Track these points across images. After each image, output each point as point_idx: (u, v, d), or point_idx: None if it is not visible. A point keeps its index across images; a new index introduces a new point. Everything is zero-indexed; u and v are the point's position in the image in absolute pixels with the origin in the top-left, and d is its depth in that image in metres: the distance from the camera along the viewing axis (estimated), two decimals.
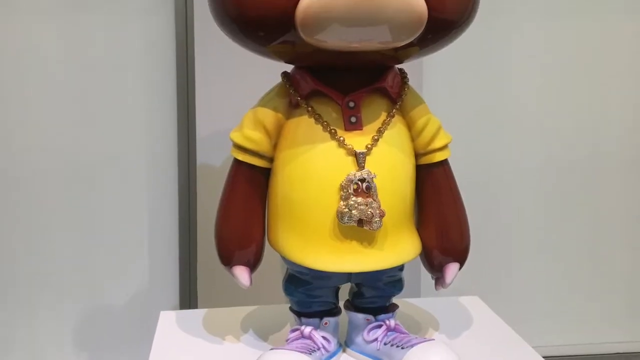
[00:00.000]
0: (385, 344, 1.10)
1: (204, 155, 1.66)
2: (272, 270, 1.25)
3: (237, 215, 1.09)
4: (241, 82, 1.58)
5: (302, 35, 0.91)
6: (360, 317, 1.14)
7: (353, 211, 0.98)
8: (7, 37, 1.64)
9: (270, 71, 1.11)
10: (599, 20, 1.90)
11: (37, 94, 1.68)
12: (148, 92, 1.72)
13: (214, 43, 1.52)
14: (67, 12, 1.66)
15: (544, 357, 1.17)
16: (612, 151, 1.96)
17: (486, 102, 1.87)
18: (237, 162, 1.08)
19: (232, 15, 0.97)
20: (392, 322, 1.12)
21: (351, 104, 1.03)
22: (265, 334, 1.24)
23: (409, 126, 1.08)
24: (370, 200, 0.99)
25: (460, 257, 1.14)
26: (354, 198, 0.98)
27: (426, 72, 1.73)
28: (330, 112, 1.03)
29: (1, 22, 1.64)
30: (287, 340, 1.11)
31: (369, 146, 1.01)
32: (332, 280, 1.09)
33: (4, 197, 1.70)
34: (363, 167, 1.00)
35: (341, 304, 1.17)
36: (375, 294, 1.13)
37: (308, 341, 1.09)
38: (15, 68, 1.66)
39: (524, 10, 1.86)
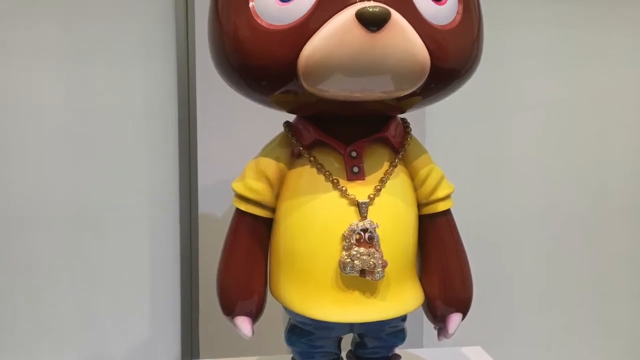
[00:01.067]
0: None
1: (205, 205, 1.66)
2: (274, 320, 1.24)
3: (239, 265, 1.08)
4: (243, 131, 1.58)
5: (304, 84, 0.91)
6: None
7: (355, 261, 0.98)
8: (7, 82, 1.65)
9: (272, 121, 1.11)
10: (602, 68, 1.91)
11: (37, 140, 1.68)
12: (150, 141, 1.72)
13: (216, 92, 1.52)
14: (68, 59, 1.66)
15: None
16: (615, 200, 1.96)
17: (489, 152, 1.87)
18: (239, 212, 1.08)
19: (234, 64, 0.97)
20: None
21: (353, 154, 1.03)
22: None
23: (412, 176, 1.08)
24: (372, 250, 0.98)
25: (463, 307, 1.13)
26: (356, 248, 0.98)
27: (429, 121, 1.73)
28: (333, 162, 1.03)
29: (1, 67, 1.65)
30: None
31: (372, 196, 1.01)
32: (334, 330, 1.08)
33: (4, 244, 1.70)
34: (365, 217, 1.00)
35: (344, 354, 1.17)
36: (377, 345, 1.13)
37: None
38: (15, 114, 1.66)
39: (526, 59, 1.87)
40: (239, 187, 1.07)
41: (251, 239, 1.08)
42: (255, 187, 1.05)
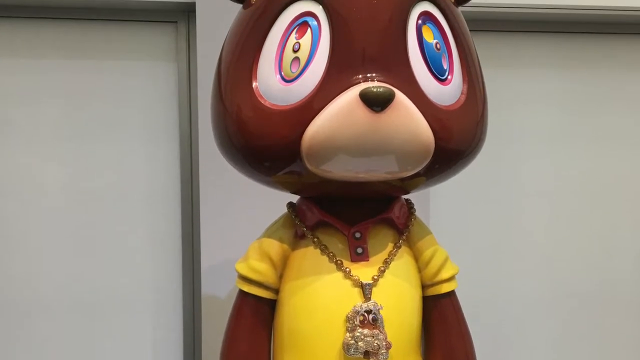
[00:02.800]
0: None
1: (208, 286, 1.65)
2: None
3: (243, 346, 1.07)
4: (246, 211, 1.58)
5: (307, 165, 0.91)
6: None
7: (359, 343, 0.97)
8: (7, 166, 1.65)
9: (275, 201, 1.11)
10: (607, 150, 1.91)
11: (38, 224, 1.68)
12: (152, 223, 1.72)
13: (219, 172, 1.53)
14: (71, 140, 1.67)
15: None
16: (621, 284, 1.95)
17: (494, 233, 1.87)
18: (242, 293, 1.07)
19: (237, 145, 0.97)
20: None
21: (357, 235, 1.02)
22: None
23: (416, 257, 1.08)
24: (376, 331, 0.98)
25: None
26: (360, 329, 0.97)
27: (433, 202, 1.73)
28: (337, 243, 1.03)
29: (3, 151, 1.65)
30: None
31: (375, 277, 1.00)
32: None
33: (5, 327, 1.69)
34: (369, 299, 0.99)
35: None
36: None
37: None
38: (16, 197, 1.66)
39: (531, 141, 1.87)
40: (242, 268, 1.06)
41: (254, 320, 1.07)
42: (259, 268, 1.05)
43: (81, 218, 1.69)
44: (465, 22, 1.05)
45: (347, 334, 0.98)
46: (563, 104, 1.89)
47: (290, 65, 0.93)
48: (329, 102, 0.87)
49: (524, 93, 1.88)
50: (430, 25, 0.97)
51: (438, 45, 0.96)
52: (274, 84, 0.92)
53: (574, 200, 1.91)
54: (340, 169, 0.92)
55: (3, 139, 1.66)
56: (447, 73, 0.97)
